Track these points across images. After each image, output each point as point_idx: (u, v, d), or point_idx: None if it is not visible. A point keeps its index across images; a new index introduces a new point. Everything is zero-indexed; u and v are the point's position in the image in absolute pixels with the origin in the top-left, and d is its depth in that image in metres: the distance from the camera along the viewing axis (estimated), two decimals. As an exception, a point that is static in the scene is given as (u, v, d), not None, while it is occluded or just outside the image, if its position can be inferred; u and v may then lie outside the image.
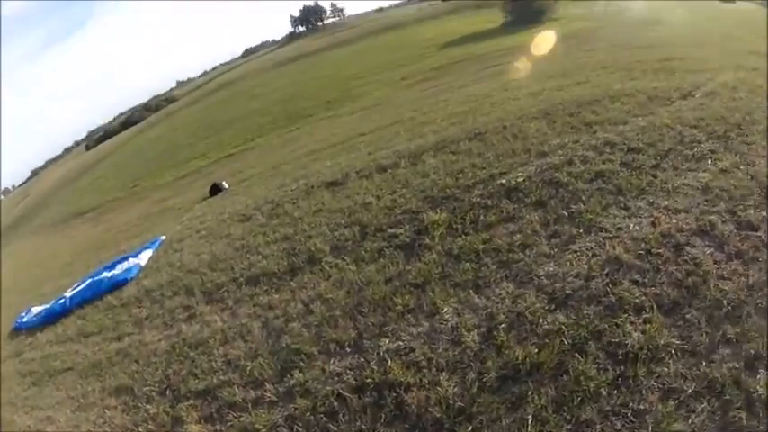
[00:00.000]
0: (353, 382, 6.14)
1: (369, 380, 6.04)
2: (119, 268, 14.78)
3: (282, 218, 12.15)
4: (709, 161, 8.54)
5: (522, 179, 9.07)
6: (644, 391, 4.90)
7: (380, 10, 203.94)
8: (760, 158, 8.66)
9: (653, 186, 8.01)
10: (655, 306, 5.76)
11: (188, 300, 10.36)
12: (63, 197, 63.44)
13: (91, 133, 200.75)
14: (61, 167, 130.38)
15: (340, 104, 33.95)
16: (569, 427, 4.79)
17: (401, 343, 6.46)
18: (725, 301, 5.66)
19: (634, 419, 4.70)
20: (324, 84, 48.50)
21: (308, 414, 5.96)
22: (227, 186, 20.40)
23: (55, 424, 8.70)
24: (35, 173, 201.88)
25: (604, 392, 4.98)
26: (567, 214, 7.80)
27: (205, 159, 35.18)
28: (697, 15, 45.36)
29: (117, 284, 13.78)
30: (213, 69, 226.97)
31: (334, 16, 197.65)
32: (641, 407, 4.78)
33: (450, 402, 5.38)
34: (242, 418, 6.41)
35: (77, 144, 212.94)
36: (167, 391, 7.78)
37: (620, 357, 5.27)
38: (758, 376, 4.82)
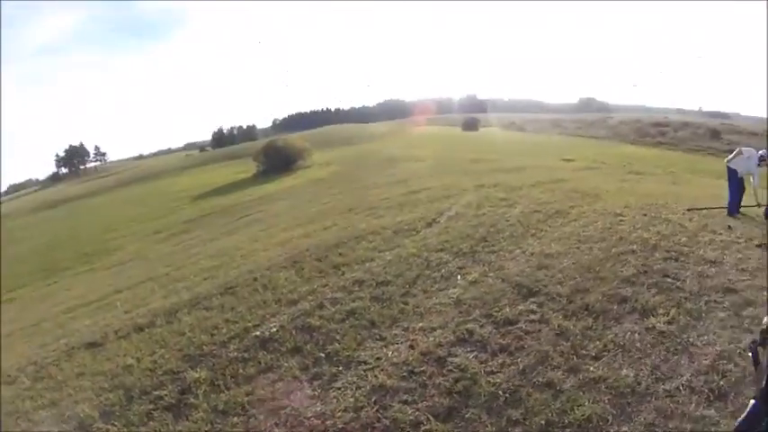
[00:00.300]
0: None
1: None
2: None
3: (47, 381, 11.10)
4: (458, 277, 9.16)
5: (275, 329, 9.08)
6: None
7: (140, 157, 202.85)
8: (508, 262, 9.45)
9: (405, 313, 8.37)
10: (431, 417, 5.87)
11: None
12: None
13: None
14: None
15: (97, 258, 32.97)
16: None
17: None
18: (500, 392, 6.02)
19: None
20: (81, 234, 46.96)
21: None
22: None
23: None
24: None
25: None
26: (324, 355, 7.85)
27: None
28: (443, 146, 48.35)
29: None
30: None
31: (97, 160, 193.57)
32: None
33: None
34: None
35: None
36: None
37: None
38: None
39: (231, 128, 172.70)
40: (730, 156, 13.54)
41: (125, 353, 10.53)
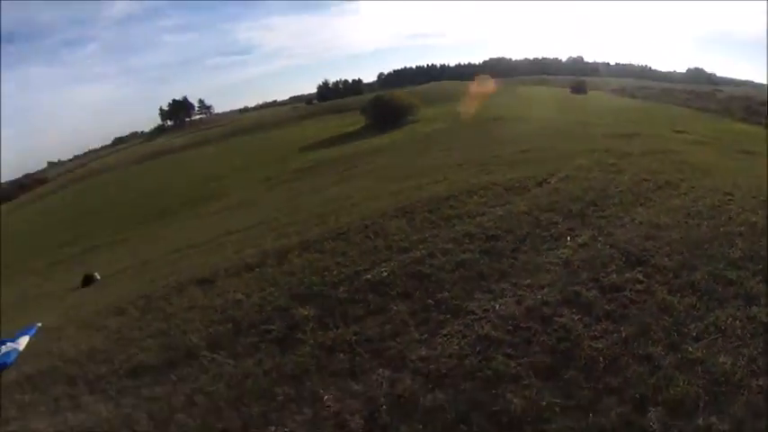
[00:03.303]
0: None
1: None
2: (-4, 352, 14.42)
3: (156, 313, 11.81)
4: (568, 238, 9.02)
5: (385, 274, 9.21)
6: None
7: (245, 110, 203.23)
8: (617, 229, 9.28)
9: (514, 268, 8.32)
10: (531, 373, 5.95)
11: (71, 389, 9.85)
12: None
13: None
14: None
15: (205, 203, 34.32)
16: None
17: (287, 430, 6.46)
18: (601, 358, 6.03)
19: None
20: (190, 181, 48.76)
21: None
22: (98, 278, 19.87)
23: None
24: None
25: None
26: (433, 302, 7.94)
27: (76, 247, 34.40)
28: (552, 108, 47.40)
29: (-3, 368, 13.36)
30: (84, 154, 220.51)
31: (202, 113, 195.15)
32: None
33: None
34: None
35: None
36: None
37: (504, 423, 5.41)
38: (648, 414, 5.17)
39: (336, 81, 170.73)
40: None
41: (235, 289, 10.94)
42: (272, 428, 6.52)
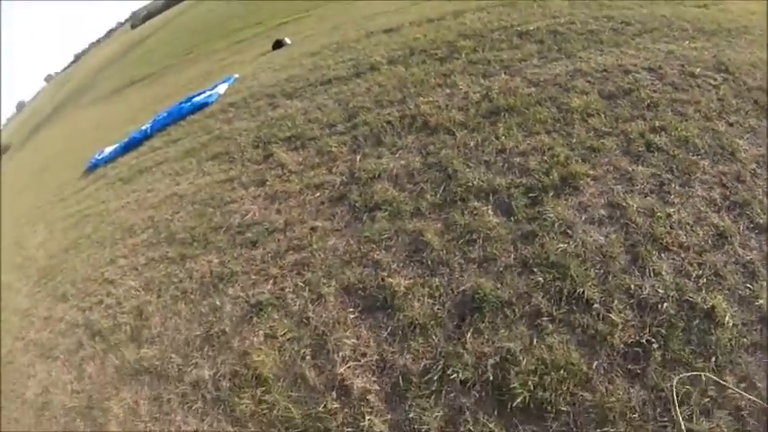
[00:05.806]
0: (398, 116, 10.02)
1: (407, 114, 9.94)
2: (196, 99, 17.37)
3: (347, 51, 15.51)
4: (686, 42, 10.32)
5: (532, 27, 12.23)
6: (575, 126, 8.21)
7: None
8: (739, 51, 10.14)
9: (628, 45, 10.50)
10: (596, 92, 8.93)
11: (270, 101, 13.83)
12: (111, 73, 66.11)
13: (135, 13, 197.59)
14: (106, 48, 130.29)
15: None
16: (524, 133, 8.35)
17: (431, 98, 10.25)
18: (648, 101, 8.37)
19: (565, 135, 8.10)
20: None
21: (367, 131, 9.87)
22: (288, 42, 22.84)
23: (155, 193, 12.08)
24: (78, 57, 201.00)
25: (550, 121, 8.48)
26: (557, 48, 10.96)
27: (260, 27, 37.10)
28: None
29: (199, 107, 16.55)
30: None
31: None
32: (572, 130, 8.16)
33: (456, 120, 9.20)
34: (319, 143, 10.24)
35: (121, 24, 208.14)
36: (260, 144, 11.45)
37: (564, 110, 8.68)
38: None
39: None
40: None
41: (415, 33, 14.55)
42: (421, 99, 10.38)
